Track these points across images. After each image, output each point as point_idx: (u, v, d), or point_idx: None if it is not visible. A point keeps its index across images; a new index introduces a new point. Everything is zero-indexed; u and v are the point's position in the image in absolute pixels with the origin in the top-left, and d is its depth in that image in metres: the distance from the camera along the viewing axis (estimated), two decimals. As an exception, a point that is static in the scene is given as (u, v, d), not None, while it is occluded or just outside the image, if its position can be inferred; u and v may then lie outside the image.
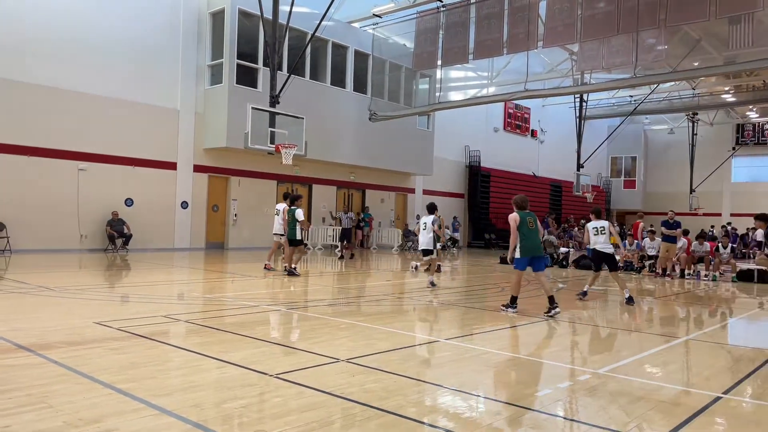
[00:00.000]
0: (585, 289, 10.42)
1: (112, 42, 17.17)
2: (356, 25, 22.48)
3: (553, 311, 7.97)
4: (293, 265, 12.45)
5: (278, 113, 16.14)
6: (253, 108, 15.53)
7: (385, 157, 23.86)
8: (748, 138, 37.57)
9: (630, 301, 9.63)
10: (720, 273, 15.88)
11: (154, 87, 18.22)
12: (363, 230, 24.08)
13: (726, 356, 6.45)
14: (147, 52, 17.96)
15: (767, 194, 36.09)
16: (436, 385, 4.67)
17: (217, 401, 3.99)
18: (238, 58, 18.80)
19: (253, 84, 19.28)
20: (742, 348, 7.09)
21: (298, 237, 12.41)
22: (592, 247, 10.22)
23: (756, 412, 4.30)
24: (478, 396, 4.45)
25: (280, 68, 17.87)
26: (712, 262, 15.94)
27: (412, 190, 27.36)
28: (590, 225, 10.23)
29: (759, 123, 36.64)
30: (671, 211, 16.41)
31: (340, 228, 20.84)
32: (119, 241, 17.15)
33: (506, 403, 4.28)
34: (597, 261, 10.38)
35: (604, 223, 10.15)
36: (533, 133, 34.39)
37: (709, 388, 4.82)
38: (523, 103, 32.69)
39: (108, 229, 17.03)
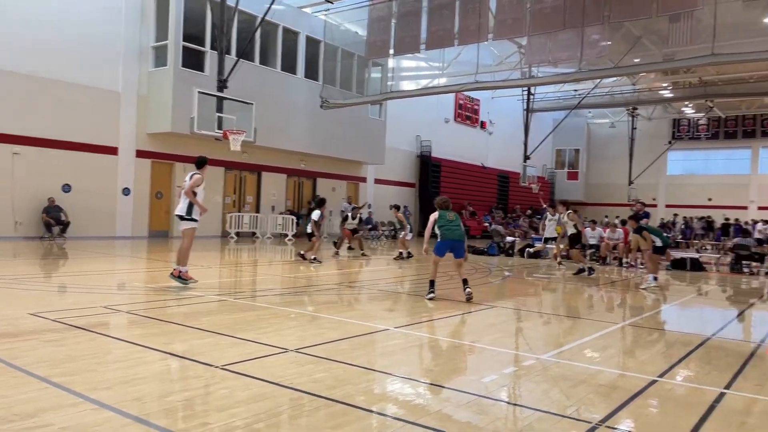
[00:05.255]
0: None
1: (49, 20, 16.28)
2: (308, 10, 22.13)
3: (467, 290, 8.36)
4: (313, 255, 13.61)
5: (226, 98, 15.75)
6: (199, 92, 15.09)
7: (337, 145, 23.70)
8: (683, 132, 39.29)
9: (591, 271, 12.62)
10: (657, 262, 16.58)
11: (94, 68, 17.42)
12: (313, 219, 23.93)
13: (661, 341, 6.76)
14: (86, 31, 17.12)
15: (700, 186, 37.96)
16: (386, 373, 4.69)
17: (159, 394, 3.87)
18: (184, 40, 18.19)
19: (199, 67, 18.71)
20: (676, 333, 7.44)
21: (308, 231, 13.87)
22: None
23: (689, 394, 4.53)
24: (427, 383, 4.50)
25: (228, 52, 17.40)
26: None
27: (364, 179, 27.33)
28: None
29: (694, 118, 38.40)
30: (640, 202, 16.85)
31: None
32: (56, 229, 16.39)
33: (454, 389, 4.35)
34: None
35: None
36: (483, 125, 34.88)
37: (645, 372, 5.04)
38: (473, 94, 33.07)
39: (44, 216, 16.25)
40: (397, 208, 17.16)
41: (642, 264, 16.15)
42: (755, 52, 16.69)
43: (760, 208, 33.44)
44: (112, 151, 18.10)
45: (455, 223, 8.56)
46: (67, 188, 17.01)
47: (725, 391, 4.49)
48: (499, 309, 8.21)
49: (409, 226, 16.52)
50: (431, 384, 4.49)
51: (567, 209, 13.66)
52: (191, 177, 8.63)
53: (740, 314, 9.17)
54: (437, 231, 8.49)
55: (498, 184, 35.98)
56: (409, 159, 30.04)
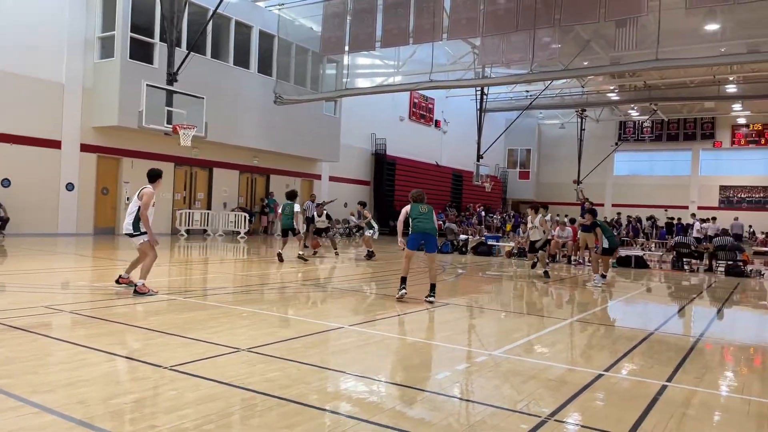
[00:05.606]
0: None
1: (-15, 5, 15.47)
2: (261, 4, 21.79)
3: (430, 297, 8.15)
4: (300, 251, 13.58)
5: (176, 92, 15.34)
6: (148, 85, 14.64)
7: (291, 142, 23.45)
8: (629, 134, 40.73)
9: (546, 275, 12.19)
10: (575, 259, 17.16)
11: (36, 58, 16.65)
12: (268, 216, 23.61)
13: (607, 336, 6.98)
14: (28, 19, 16.35)
15: (644, 186, 39.46)
16: (340, 371, 4.67)
17: (105, 396, 3.74)
18: (132, 32, 17.60)
19: (148, 60, 18.15)
20: (621, 328, 7.71)
21: (295, 226, 13.55)
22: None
23: (633, 387, 4.69)
24: (381, 381, 4.50)
25: (178, 45, 16.95)
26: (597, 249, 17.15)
27: (318, 176, 27.15)
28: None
29: (639, 121, 39.85)
30: (588, 201, 17.24)
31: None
32: (-7, 226, 15.62)
33: (407, 386, 4.37)
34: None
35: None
36: (437, 124, 35.21)
37: (592, 366, 5.20)
38: (427, 93, 33.33)
39: (-20, 212, 15.45)
40: (363, 205, 16.79)
41: (590, 261, 16.66)
42: (695, 57, 17.48)
43: (700, 207, 35.00)
44: (55, 144, 17.36)
45: (427, 215, 8.32)
46: (6, 183, 16.22)
47: (667, 383, 4.67)
48: (452, 306, 8.30)
49: (376, 226, 15.82)
50: (385, 381, 4.50)
51: (537, 213, 12.76)
52: (141, 193, 7.71)
53: (681, 310, 9.58)
54: (410, 223, 8.28)
55: (452, 183, 36.41)
56: (364, 157, 30.04)
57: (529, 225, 12.77)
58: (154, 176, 8.04)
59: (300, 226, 13.81)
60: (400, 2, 17.98)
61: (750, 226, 32.59)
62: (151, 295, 7.56)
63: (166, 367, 4.36)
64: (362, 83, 27.02)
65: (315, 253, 15.03)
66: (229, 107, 20.23)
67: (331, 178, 27.62)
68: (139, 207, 7.64)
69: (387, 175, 30.15)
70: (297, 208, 13.68)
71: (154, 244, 7.77)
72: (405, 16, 17.87)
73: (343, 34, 19.44)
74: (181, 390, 3.90)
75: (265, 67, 22.28)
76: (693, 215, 30.19)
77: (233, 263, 13.51)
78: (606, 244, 12.12)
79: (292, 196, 14.01)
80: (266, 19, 21.96)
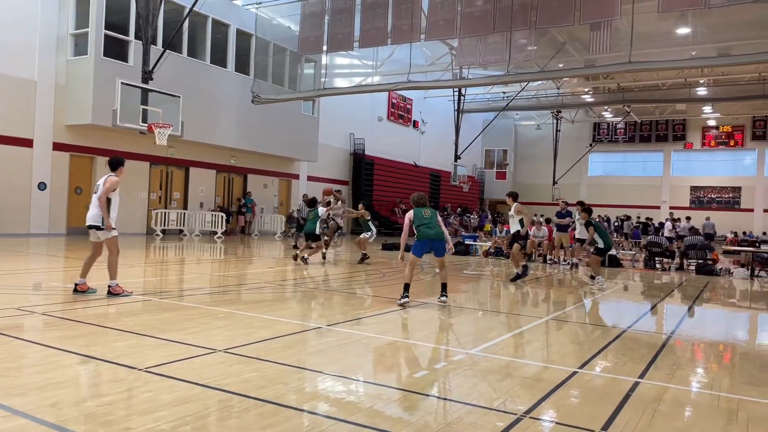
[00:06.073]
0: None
1: (-48, -1, 15.09)
2: (238, 3, 21.63)
3: (443, 297, 8.13)
4: (305, 256, 13.03)
5: (151, 90, 15.14)
6: (123, 83, 14.42)
7: (269, 141, 23.31)
8: (603, 135, 41.38)
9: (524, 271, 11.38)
10: (579, 258, 17.41)
11: (8, 55, 16.28)
12: (245, 216, 23.44)
13: (582, 334, 7.09)
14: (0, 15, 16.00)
15: (618, 187, 40.11)
16: (318, 371, 4.67)
17: (78, 399, 3.68)
18: (106, 29, 17.33)
19: (123, 57, 17.88)
20: (595, 326, 7.83)
21: (317, 232, 13.15)
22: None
23: (607, 384, 4.78)
24: (359, 380, 4.51)
25: (154, 42, 16.72)
26: (572, 248, 17.41)
27: (297, 176, 27.04)
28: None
29: (612, 122, 40.50)
30: (563, 201, 17.43)
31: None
32: (-39, 226, 15.23)
33: (385, 386, 4.39)
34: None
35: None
36: (415, 124, 35.34)
37: (567, 363, 5.28)
38: (406, 94, 33.43)
39: (-53, 211, 15.06)
40: (363, 204, 16.14)
41: (565, 260, 16.89)
42: (667, 60, 17.84)
43: (671, 207, 35.70)
44: (27, 143, 17.00)
45: (431, 219, 8.04)
46: (-26, 182, 15.85)
47: (639, 380, 4.77)
48: (430, 305, 8.35)
49: (374, 228, 14.77)
50: (363, 381, 4.51)
51: (515, 200, 11.76)
52: (105, 180, 7.44)
53: (653, 308, 9.77)
54: (414, 231, 8.00)
55: (430, 183, 36.57)
56: (343, 156, 30.00)
57: (510, 213, 11.80)
58: (116, 164, 7.66)
59: (325, 232, 13.65)
60: (378, 2, 18.00)
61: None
62: (126, 295, 7.42)
63: (140, 369, 4.31)
64: (340, 83, 26.99)
65: (324, 255, 14.18)
66: (206, 106, 20.04)
67: (310, 178, 27.53)
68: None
69: (365, 175, 30.16)
70: (321, 212, 13.46)
71: (108, 228, 7.33)
72: (383, 17, 17.89)
73: (321, 33, 19.39)
74: (156, 392, 3.86)
75: (242, 66, 22.12)
76: (671, 214, 30.87)
77: (210, 263, 13.38)
78: (600, 245, 11.75)
79: (312, 203, 13.76)
80: (243, 17, 21.80)
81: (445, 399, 4.22)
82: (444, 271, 8.32)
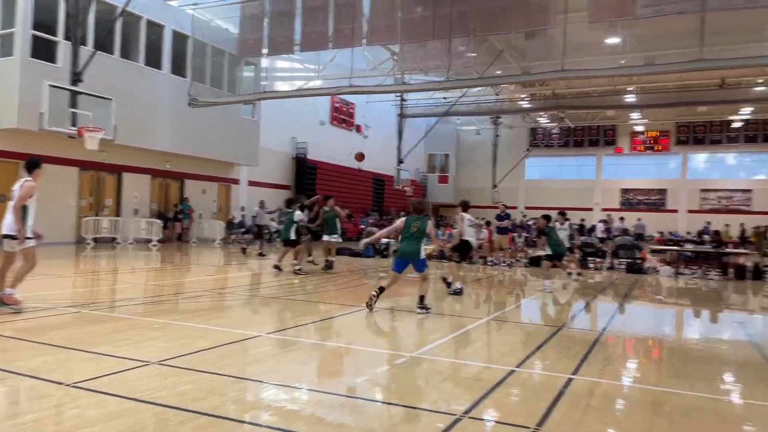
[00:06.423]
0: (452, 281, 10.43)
1: None
2: (173, 3, 21.01)
3: (421, 307, 8.07)
4: (299, 265, 12.46)
5: (81, 92, 14.52)
6: (50, 85, 13.77)
7: (207, 145, 22.75)
8: (539, 140, 42.73)
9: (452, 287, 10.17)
10: (516, 259, 17.90)
11: None
12: (182, 222, 22.74)
13: (520, 333, 7.28)
14: None
15: (554, 190, 41.45)
16: (257, 381, 4.59)
17: (1, 417, 3.47)
18: (33, 29, 16.43)
19: (51, 59, 16.99)
20: (533, 325, 8.06)
21: (293, 237, 12.59)
22: (466, 238, 10.60)
23: (542, 381, 4.92)
24: (300, 388, 4.46)
25: (84, 43, 16.03)
26: (510, 249, 17.88)
27: (237, 181, 26.49)
28: (466, 216, 10.60)
29: (548, 128, 41.93)
30: (502, 204, 17.78)
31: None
32: None
33: (327, 392, 4.35)
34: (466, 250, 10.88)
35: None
36: (358, 128, 35.38)
37: (505, 363, 5.40)
38: (348, 98, 33.41)
39: None
40: (326, 200, 14.33)
41: (504, 262, 17.33)
42: (597, 69, 18.63)
43: (603, 209, 37.20)
44: (-58, 147, 15.92)
45: (414, 236, 8.00)
46: None
47: (572, 376, 4.93)
48: (374, 310, 8.35)
49: (339, 230, 13.77)
50: (304, 389, 4.46)
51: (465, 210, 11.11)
52: (22, 185, 6.82)
53: (586, 305, 10.14)
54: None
55: (373, 187, 36.67)
56: (285, 160, 29.65)
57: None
58: (32, 165, 7.10)
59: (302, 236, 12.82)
60: (319, 6, 17.92)
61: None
62: (16, 311, 6.70)
63: (68, 385, 4.10)
64: (282, 86, 26.67)
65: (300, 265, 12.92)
66: (140, 109, 19.35)
67: (250, 183, 27.04)
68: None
69: (308, 179, 29.90)
70: (297, 216, 12.61)
71: (21, 240, 6.72)
72: (324, 20, 17.83)
73: (260, 36, 19.12)
74: (84, 407, 3.68)
75: (178, 68, 21.50)
76: (608, 216, 32.23)
77: (145, 272, 12.91)
78: (549, 252, 11.98)
79: (289, 203, 12.99)
80: (179, 18, 21.20)
81: (387, 403, 4.23)
82: (425, 283, 8.26)
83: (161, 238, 20.38)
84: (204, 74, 22.03)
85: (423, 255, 8.15)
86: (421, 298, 8.15)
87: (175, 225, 22.61)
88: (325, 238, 13.64)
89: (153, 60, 20.49)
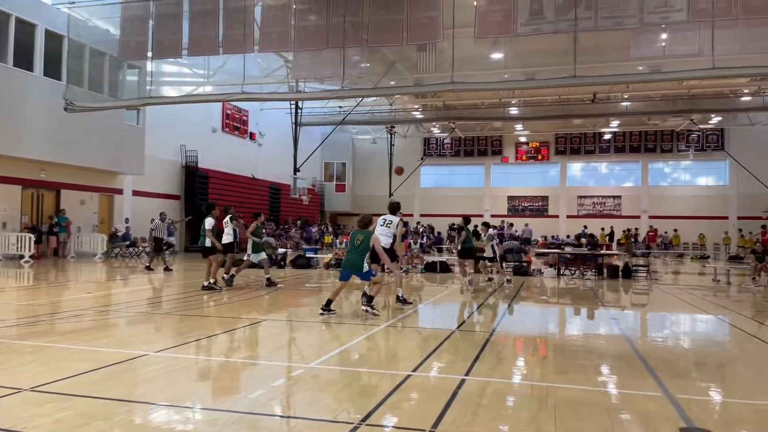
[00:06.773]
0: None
1: None
2: (47, 1, 19.48)
3: (366, 306, 8.50)
4: (211, 279, 11.64)
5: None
6: None
7: (86, 153, 21.21)
8: (432, 150, 44.23)
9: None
10: (413, 265, 18.33)
11: None
12: (58, 236, 20.98)
13: (416, 338, 7.45)
14: None
15: (447, 197, 43.06)
16: (145, 402, 4.33)
17: None
18: None
19: None
20: (428, 329, 8.28)
21: (207, 244, 11.79)
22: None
23: (437, 384, 5.07)
24: (192, 407, 4.27)
25: (-62, 38, 14.42)
26: (406, 256, 18.27)
27: (120, 191, 24.92)
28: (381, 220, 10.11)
29: (440, 137, 43.51)
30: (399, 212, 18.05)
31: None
32: None
33: (222, 410, 4.21)
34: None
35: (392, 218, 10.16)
36: (252, 136, 34.63)
37: (402, 368, 5.51)
38: (241, 105, 32.63)
39: None
40: (256, 216, 14.00)
41: (401, 268, 17.66)
42: (483, 82, 19.62)
43: (492, 215, 39.12)
44: None
45: (359, 249, 8.35)
46: None
47: (465, 377, 5.13)
48: (270, 322, 8.20)
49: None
50: (197, 407, 4.28)
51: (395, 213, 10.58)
52: None
53: (479, 307, 10.60)
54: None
55: (269, 196, 36.02)
56: (174, 169, 28.34)
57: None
58: (210, 208, 6.63)
59: (218, 245, 11.90)
60: (207, 11, 17.34)
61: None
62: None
63: None
64: (169, 92, 25.48)
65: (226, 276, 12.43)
66: (8, 114, 17.71)
67: (135, 193, 25.56)
68: None
69: (200, 189, 28.77)
70: (209, 223, 11.69)
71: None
72: (213, 25, 17.27)
73: (145, 38, 18.14)
74: (-59, 447, 3.29)
75: (53, 70, 19.91)
76: (502, 221, 33.87)
77: (16, 291, 11.77)
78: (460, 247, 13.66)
79: (208, 208, 12.03)
80: (53, 17, 19.65)
81: (284, 416, 4.16)
82: (376, 287, 8.67)
83: (34, 254, 18.71)
84: (81, 77, 20.54)
85: (366, 268, 8.50)
86: (370, 298, 8.56)
87: (50, 239, 20.84)
88: (261, 258, 12.87)
89: (23, 61, 18.88)
